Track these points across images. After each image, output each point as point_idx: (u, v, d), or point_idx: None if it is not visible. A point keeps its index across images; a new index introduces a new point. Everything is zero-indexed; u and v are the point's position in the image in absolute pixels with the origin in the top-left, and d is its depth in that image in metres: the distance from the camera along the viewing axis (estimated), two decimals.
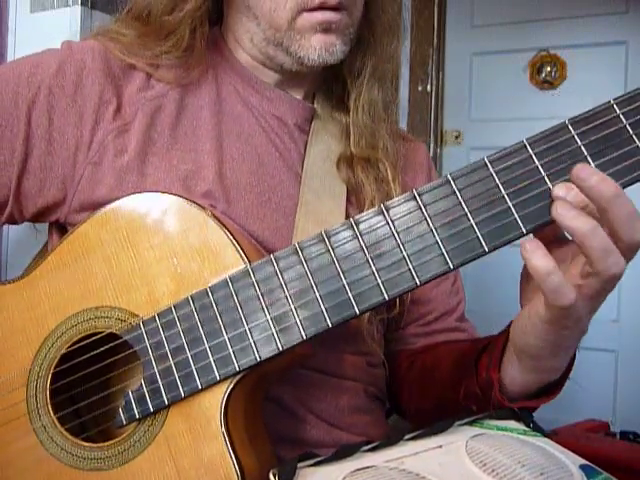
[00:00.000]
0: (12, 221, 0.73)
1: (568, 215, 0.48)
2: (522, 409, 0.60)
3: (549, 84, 2.41)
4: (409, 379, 0.79)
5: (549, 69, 2.41)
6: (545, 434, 0.57)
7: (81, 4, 1.00)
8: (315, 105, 0.80)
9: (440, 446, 0.55)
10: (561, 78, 2.40)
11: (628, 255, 0.49)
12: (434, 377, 0.74)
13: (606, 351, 2.24)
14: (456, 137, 2.56)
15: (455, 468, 0.51)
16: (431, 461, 0.52)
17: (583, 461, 0.53)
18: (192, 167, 0.69)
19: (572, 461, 0.52)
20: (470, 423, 0.59)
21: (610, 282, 0.49)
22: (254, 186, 0.71)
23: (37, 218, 0.73)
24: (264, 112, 0.75)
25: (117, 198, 0.62)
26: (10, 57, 1.05)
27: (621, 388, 2.29)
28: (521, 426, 0.58)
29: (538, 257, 0.48)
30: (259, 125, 0.74)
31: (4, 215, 0.72)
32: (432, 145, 2.51)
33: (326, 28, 0.69)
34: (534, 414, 0.60)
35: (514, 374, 0.60)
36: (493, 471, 0.50)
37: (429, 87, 2.52)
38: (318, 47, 0.69)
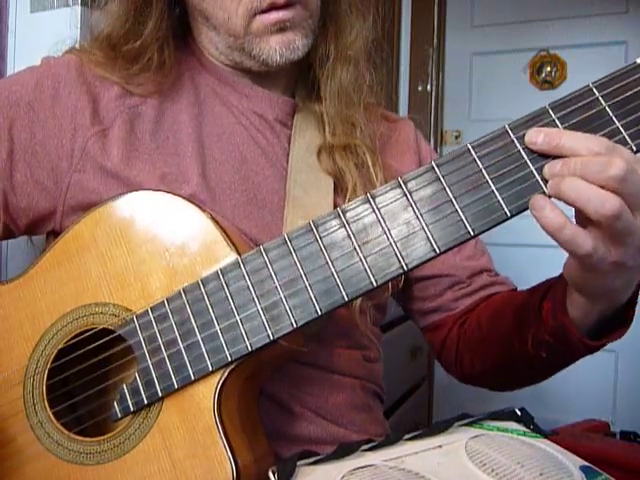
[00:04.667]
0: (10, 234, 0.74)
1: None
2: (523, 410, 0.60)
3: (549, 84, 2.42)
4: (465, 340, 0.78)
5: (549, 69, 2.42)
6: (545, 435, 0.57)
7: (81, 4, 1.00)
8: (296, 99, 0.80)
9: (440, 446, 0.55)
10: (561, 78, 2.40)
11: (619, 191, 0.48)
12: (495, 332, 0.73)
13: (606, 351, 2.23)
14: (456, 137, 2.56)
15: (454, 468, 0.51)
16: (431, 461, 0.52)
17: (583, 462, 0.53)
18: (175, 170, 0.70)
19: (572, 462, 0.52)
20: (470, 424, 0.59)
21: (613, 225, 0.48)
22: (239, 184, 0.71)
23: (32, 230, 0.74)
24: (244, 110, 0.75)
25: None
26: (10, 57, 1.05)
27: (621, 388, 2.29)
28: (521, 427, 0.58)
29: (547, 213, 0.49)
30: (240, 123, 0.75)
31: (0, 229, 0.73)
32: (432, 145, 2.51)
33: (281, 27, 0.69)
34: (534, 414, 0.60)
35: (579, 314, 0.60)
36: (493, 471, 0.50)
37: (429, 87, 2.52)
38: (278, 47, 0.69)
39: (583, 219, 0.51)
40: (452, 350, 0.80)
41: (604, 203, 0.48)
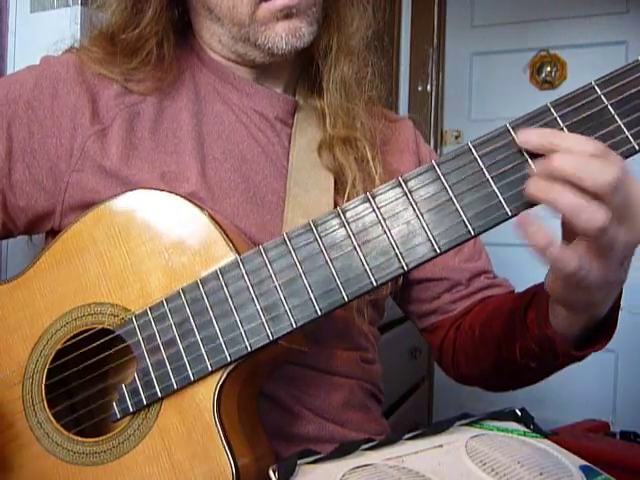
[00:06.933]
0: (9, 233, 0.74)
1: (532, 189, 0.49)
2: (523, 410, 0.60)
3: (549, 84, 2.42)
4: (460, 344, 0.79)
5: (549, 69, 2.42)
6: (545, 435, 0.57)
7: (81, 4, 1.00)
8: (297, 97, 0.79)
9: (440, 445, 0.55)
10: (561, 78, 2.40)
11: (608, 199, 0.47)
12: (486, 340, 0.74)
13: (606, 351, 2.23)
14: (456, 137, 2.56)
15: (455, 467, 0.51)
16: (431, 460, 0.52)
17: (583, 462, 0.53)
18: (175, 169, 0.69)
19: (572, 462, 0.53)
20: (470, 424, 0.59)
21: (600, 237, 0.48)
22: (238, 183, 0.71)
23: (31, 229, 0.74)
24: (244, 108, 0.75)
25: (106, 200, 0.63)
26: (10, 57, 1.06)
27: (621, 388, 2.29)
28: (521, 427, 0.58)
29: (532, 233, 0.49)
30: (240, 121, 0.74)
31: None
32: (432, 145, 2.51)
33: (287, 14, 0.68)
34: (534, 414, 0.60)
35: (563, 325, 0.60)
36: (492, 470, 0.50)
37: (429, 87, 2.52)
38: (284, 34, 0.69)
39: (568, 232, 0.51)
40: (449, 352, 0.81)
41: (595, 213, 0.47)
